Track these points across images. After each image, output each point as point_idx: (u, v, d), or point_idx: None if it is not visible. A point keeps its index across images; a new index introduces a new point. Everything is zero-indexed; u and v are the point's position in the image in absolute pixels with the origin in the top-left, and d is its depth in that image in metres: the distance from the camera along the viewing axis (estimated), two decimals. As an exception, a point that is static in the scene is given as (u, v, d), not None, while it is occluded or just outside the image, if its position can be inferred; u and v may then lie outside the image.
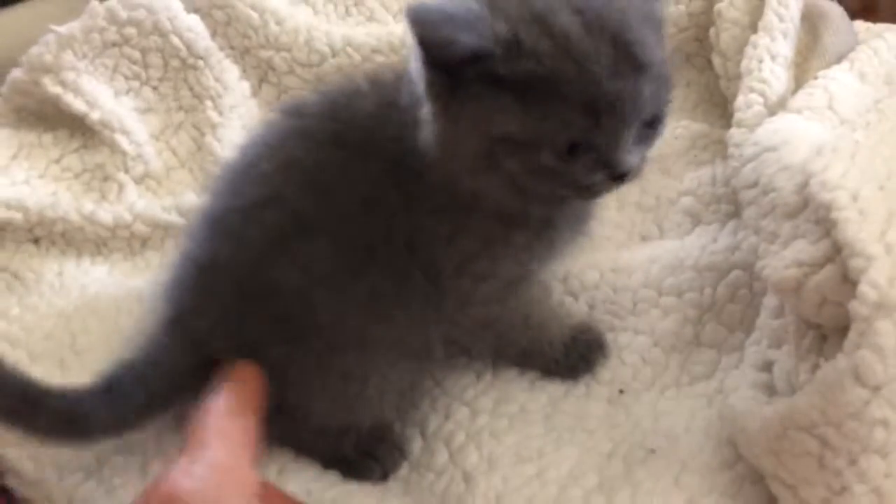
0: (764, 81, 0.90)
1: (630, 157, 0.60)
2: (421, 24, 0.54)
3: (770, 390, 0.72)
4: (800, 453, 0.62)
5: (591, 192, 0.63)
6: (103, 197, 1.02)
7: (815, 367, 0.66)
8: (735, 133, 0.88)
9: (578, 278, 0.89)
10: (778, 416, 0.63)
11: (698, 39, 1.09)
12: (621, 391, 0.79)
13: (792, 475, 0.63)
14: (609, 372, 0.81)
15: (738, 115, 0.90)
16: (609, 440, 0.75)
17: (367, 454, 0.77)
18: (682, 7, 1.08)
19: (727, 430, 0.72)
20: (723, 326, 0.82)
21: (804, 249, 0.66)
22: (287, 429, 0.75)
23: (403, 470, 0.78)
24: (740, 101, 0.90)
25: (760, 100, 0.89)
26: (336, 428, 0.75)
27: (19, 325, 0.89)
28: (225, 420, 0.63)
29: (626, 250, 0.91)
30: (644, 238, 0.93)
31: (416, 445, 0.79)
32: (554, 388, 0.81)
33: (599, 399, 0.79)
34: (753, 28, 0.99)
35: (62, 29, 1.05)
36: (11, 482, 0.79)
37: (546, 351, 0.79)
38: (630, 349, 0.82)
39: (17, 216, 0.96)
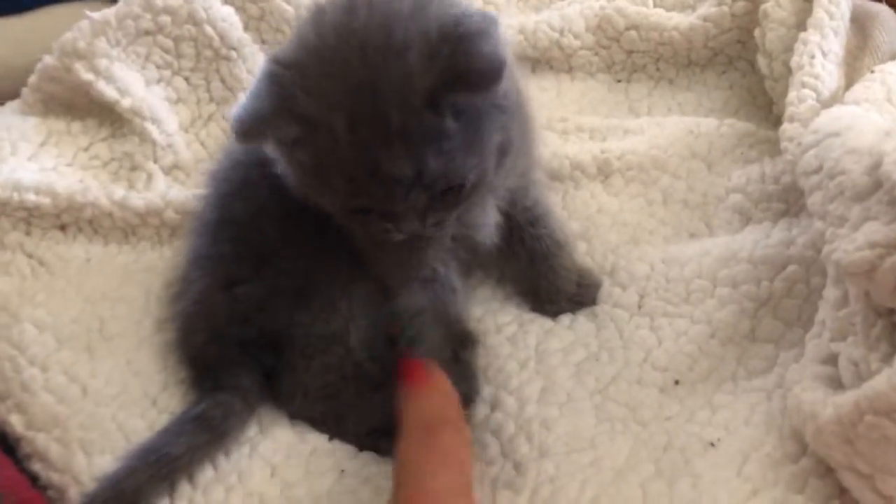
0: (816, 77, 0.88)
1: (411, 224, 0.67)
2: (239, 127, 0.65)
3: (835, 383, 0.68)
4: (878, 439, 0.58)
5: (390, 237, 0.68)
6: (131, 186, 1.00)
7: (888, 355, 0.63)
8: (788, 128, 0.86)
9: (626, 270, 0.86)
10: (853, 401, 0.60)
11: (741, 41, 1.08)
12: (677, 382, 0.76)
13: (869, 464, 0.60)
14: (666, 358, 0.78)
15: (790, 110, 0.87)
16: (663, 432, 0.72)
17: None
18: (724, 8, 1.07)
19: (791, 422, 0.69)
20: (780, 321, 0.79)
21: (878, 230, 0.63)
22: (325, 401, 0.77)
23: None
24: (792, 96, 0.88)
25: (813, 94, 0.87)
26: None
27: (45, 310, 0.87)
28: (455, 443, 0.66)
29: (675, 245, 0.89)
30: (692, 235, 0.90)
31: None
32: (601, 372, 0.78)
33: (652, 386, 0.76)
34: (800, 28, 0.98)
35: (96, 15, 1.03)
36: (36, 467, 0.76)
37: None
38: (688, 337, 0.79)
39: (46, 201, 0.94)
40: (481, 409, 0.77)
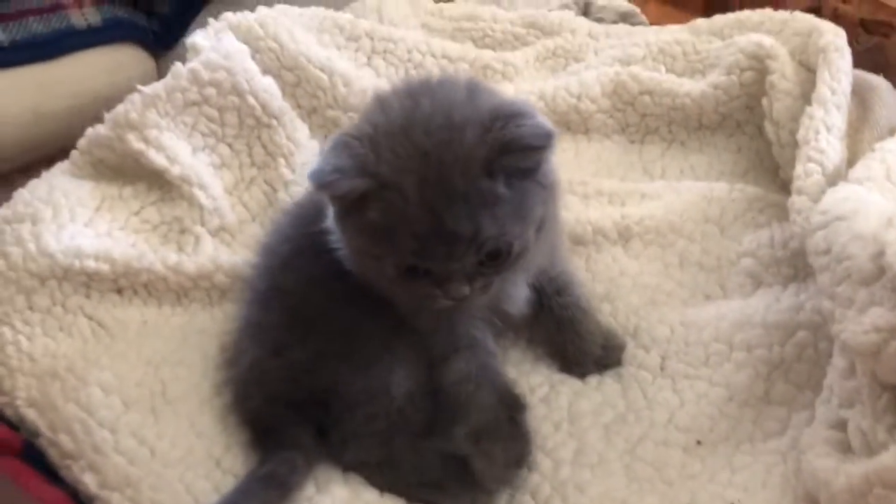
0: (822, 152, 0.96)
1: (460, 288, 0.75)
2: (317, 178, 0.73)
3: (844, 446, 0.75)
4: (886, 510, 0.66)
5: (435, 302, 0.76)
6: (180, 248, 1.06)
7: (893, 427, 0.70)
8: (796, 200, 0.93)
9: (648, 333, 0.94)
10: (863, 473, 0.67)
11: (749, 107, 1.15)
12: (699, 442, 0.83)
13: (878, 531, 0.67)
14: (688, 419, 0.85)
15: (797, 184, 0.95)
16: (688, 491, 0.79)
17: (464, 479, 0.82)
18: (734, 77, 1.14)
19: (805, 486, 0.76)
20: (791, 385, 0.86)
21: (882, 315, 0.70)
22: (380, 448, 0.83)
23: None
24: (799, 170, 0.96)
25: (819, 169, 0.94)
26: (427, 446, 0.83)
27: (111, 373, 0.93)
28: None
29: (692, 307, 0.96)
30: (708, 297, 0.98)
31: (501, 497, 0.82)
32: (629, 432, 0.85)
33: (676, 446, 0.83)
34: (805, 98, 1.06)
35: (147, 89, 1.09)
36: (110, 526, 0.83)
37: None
38: (708, 399, 0.86)
39: (105, 267, 1.00)
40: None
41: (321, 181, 0.72)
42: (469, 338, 0.86)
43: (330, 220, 0.80)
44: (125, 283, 1.03)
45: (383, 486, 0.84)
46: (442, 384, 0.85)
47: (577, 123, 1.21)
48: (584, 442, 0.85)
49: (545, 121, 0.74)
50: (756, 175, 1.13)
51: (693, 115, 1.18)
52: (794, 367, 0.87)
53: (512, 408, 0.85)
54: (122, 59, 1.47)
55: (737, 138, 1.17)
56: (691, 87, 1.17)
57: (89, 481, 0.85)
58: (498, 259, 0.75)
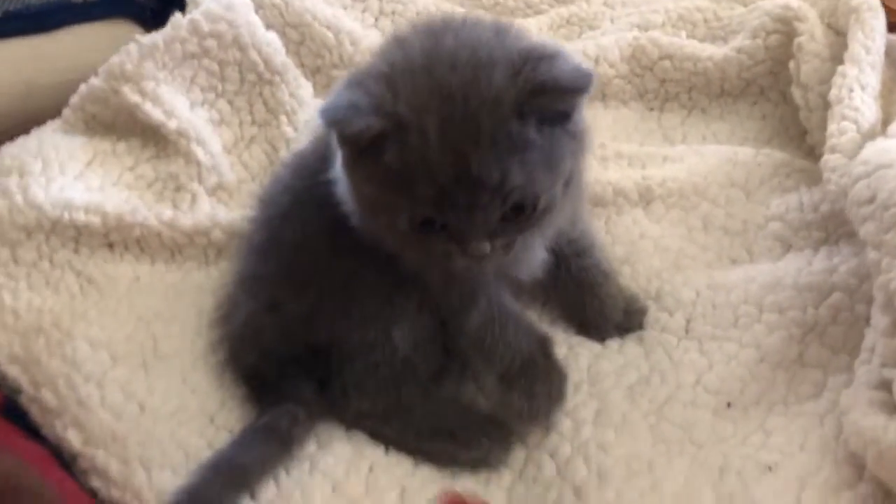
0: (856, 109, 0.91)
1: (480, 244, 0.67)
2: (328, 114, 0.65)
3: (890, 408, 0.70)
4: (943, 466, 0.60)
5: (451, 260, 0.69)
6: (176, 206, 1.01)
7: (942, 382, 0.65)
8: (830, 159, 0.88)
9: (672, 296, 0.88)
10: (916, 428, 0.62)
11: (773, 73, 1.10)
12: (729, 404, 0.77)
13: (932, 488, 0.62)
14: (717, 381, 0.80)
15: (831, 142, 0.90)
16: (719, 453, 0.74)
17: (478, 430, 0.78)
18: (759, 41, 1.09)
19: (850, 448, 0.70)
20: (826, 348, 0.81)
21: (936, 261, 0.65)
22: (388, 396, 0.79)
23: (506, 479, 0.76)
24: (832, 128, 0.91)
25: (854, 126, 0.90)
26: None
27: (98, 327, 0.88)
28: None
29: (719, 270, 0.90)
30: (734, 261, 0.92)
31: (517, 456, 0.77)
32: (654, 394, 0.80)
33: (705, 408, 0.78)
34: (834, 60, 1.01)
35: (144, 39, 1.04)
36: (96, 483, 0.77)
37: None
38: (737, 361, 0.80)
39: (96, 220, 0.95)
40: (534, 430, 0.78)
41: (333, 117, 0.65)
42: (484, 286, 0.80)
43: (336, 168, 0.73)
44: (117, 238, 0.97)
45: (389, 441, 0.79)
46: (463, 332, 0.79)
47: (595, 88, 1.16)
48: (606, 402, 0.79)
49: (581, 61, 0.67)
50: (781, 142, 1.08)
51: (715, 81, 1.13)
52: (828, 329, 0.82)
53: (541, 343, 0.81)
54: (118, 35, 1.41)
55: (760, 105, 1.12)
56: (714, 51, 1.12)
57: (73, 438, 0.80)
58: (523, 214, 0.67)
